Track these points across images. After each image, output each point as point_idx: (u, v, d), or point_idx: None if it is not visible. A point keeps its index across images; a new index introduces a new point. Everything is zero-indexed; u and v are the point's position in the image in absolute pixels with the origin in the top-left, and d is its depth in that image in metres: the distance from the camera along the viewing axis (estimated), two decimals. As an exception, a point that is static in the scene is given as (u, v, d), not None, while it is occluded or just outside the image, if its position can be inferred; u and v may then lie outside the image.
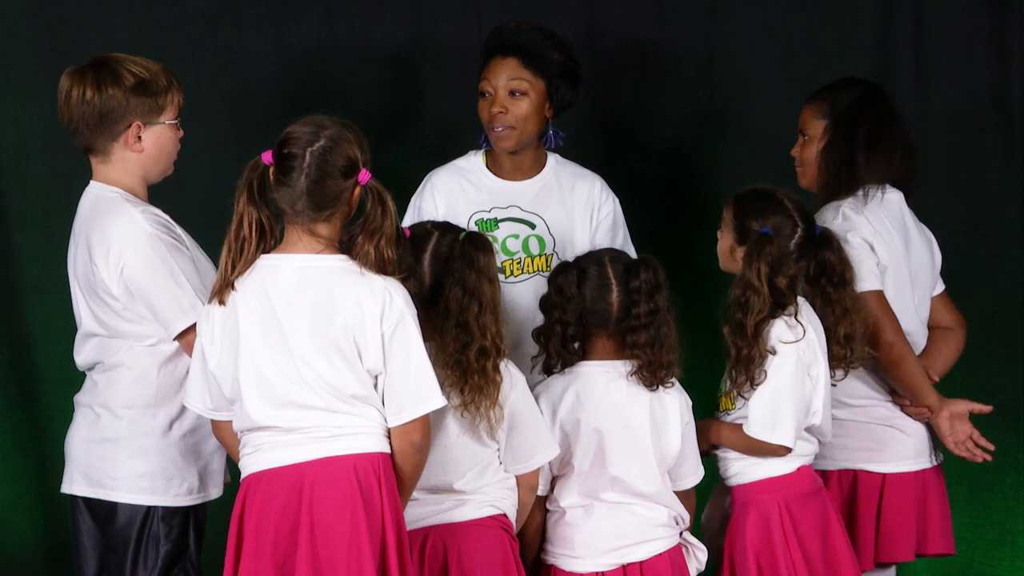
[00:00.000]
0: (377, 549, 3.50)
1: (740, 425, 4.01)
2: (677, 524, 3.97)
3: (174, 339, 3.84)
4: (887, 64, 5.29)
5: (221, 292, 3.56)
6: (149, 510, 3.89)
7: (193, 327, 3.75)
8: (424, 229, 3.81)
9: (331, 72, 5.15)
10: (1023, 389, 5.35)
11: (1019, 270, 5.33)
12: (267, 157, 3.53)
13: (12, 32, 4.99)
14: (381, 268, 3.52)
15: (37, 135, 4.94)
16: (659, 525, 3.93)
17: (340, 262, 3.54)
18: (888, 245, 4.25)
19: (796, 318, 3.97)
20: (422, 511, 3.75)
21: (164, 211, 3.97)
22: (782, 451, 3.98)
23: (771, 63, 5.26)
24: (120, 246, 3.82)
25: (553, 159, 4.43)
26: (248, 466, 3.59)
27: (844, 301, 4.03)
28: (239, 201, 3.54)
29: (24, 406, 5.00)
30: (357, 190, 3.54)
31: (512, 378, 3.77)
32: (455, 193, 4.35)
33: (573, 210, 4.39)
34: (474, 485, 3.78)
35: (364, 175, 3.54)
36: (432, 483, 3.74)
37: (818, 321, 4.03)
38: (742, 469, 4.03)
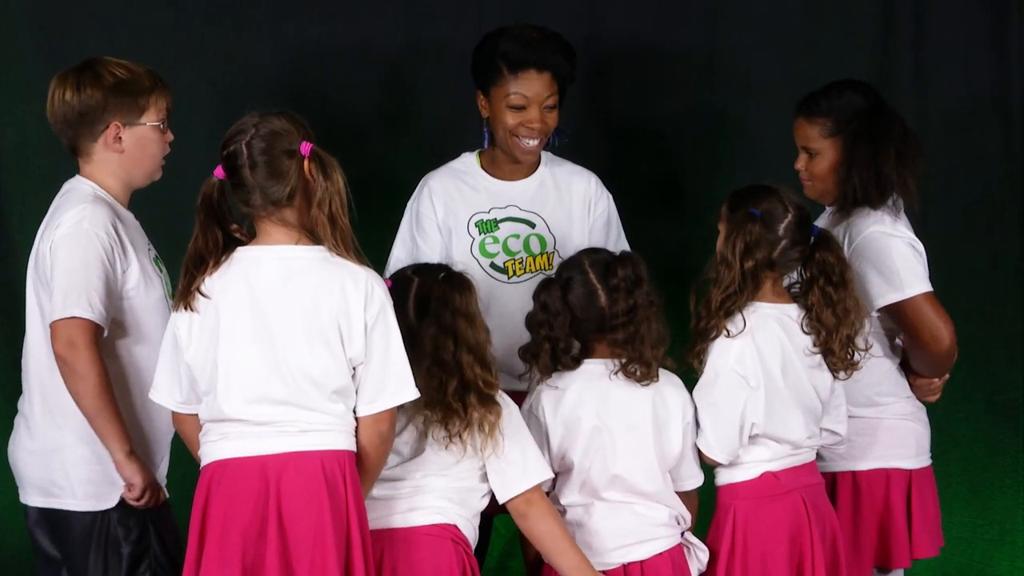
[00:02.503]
0: (342, 545, 3.52)
1: None
2: (678, 524, 3.96)
3: (49, 323, 3.83)
4: (887, 64, 5.30)
5: (187, 299, 3.57)
6: (104, 515, 3.90)
7: (67, 323, 3.78)
8: (405, 276, 3.81)
9: (331, 72, 5.16)
10: (1023, 389, 5.35)
11: (1019, 270, 5.33)
12: (219, 172, 3.57)
13: (12, 32, 4.99)
14: (336, 239, 3.53)
15: (37, 135, 4.94)
16: (660, 524, 3.92)
17: (320, 252, 3.56)
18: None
19: (739, 320, 3.95)
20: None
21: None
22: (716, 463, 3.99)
23: (771, 63, 5.26)
24: (59, 231, 3.87)
25: (545, 157, 4.44)
26: (211, 453, 3.59)
27: (845, 302, 4.02)
28: (198, 219, 3.57)
29: (24, 406, 4.99)
30: (305, 163, 3.55)
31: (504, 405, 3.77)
32: (453, 195, 4.36)
33: (571, 207, 4.41)
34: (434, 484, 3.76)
35: (305, 146, 3.55)
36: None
37: (772, 332, 3.99)
38: (718, 472, 4.04)
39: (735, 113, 5.25)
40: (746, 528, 3.97)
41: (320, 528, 3.51)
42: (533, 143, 4.31)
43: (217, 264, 3.57)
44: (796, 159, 4.33)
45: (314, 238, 3.57)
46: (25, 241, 4.96)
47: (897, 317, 4.20)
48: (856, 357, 4.04)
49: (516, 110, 4.29)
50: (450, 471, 3.75)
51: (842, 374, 4.07)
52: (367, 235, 3.65)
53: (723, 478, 4.03)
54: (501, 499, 3.79)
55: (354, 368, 3.58)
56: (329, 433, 3.56)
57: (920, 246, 4.22)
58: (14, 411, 5.00)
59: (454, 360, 3.69)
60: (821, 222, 4.27)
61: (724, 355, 3.96)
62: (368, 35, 5.17)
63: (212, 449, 3.59)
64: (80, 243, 3.85)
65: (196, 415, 3.65)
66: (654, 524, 3.92)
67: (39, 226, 4.70)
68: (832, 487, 4.23)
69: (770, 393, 3.96)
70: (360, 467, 3.61)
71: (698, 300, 3.97)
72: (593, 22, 5.25)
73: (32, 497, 3.97)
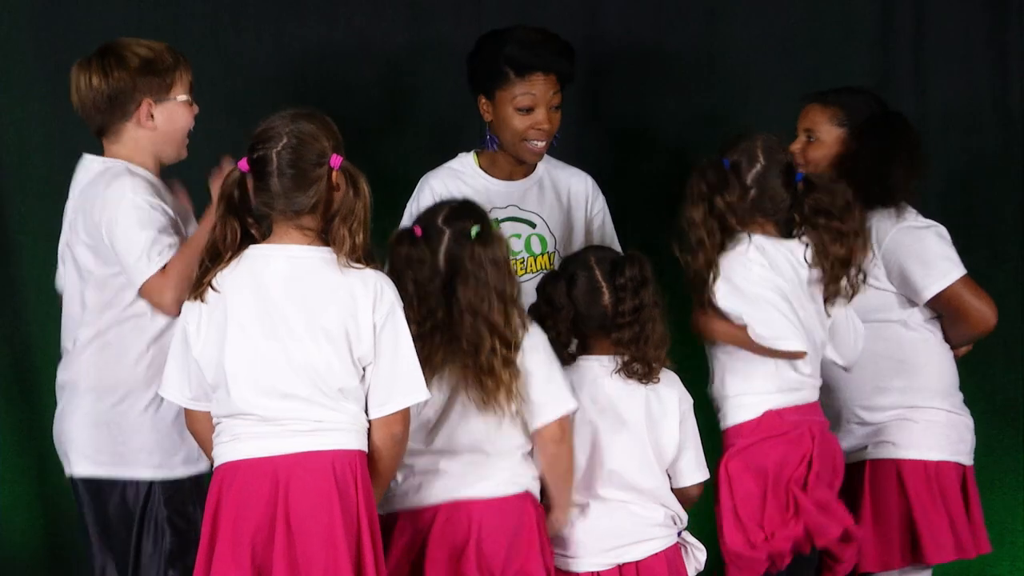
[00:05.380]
0: (353, 546, 3.52)
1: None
2: (675, 524, 3.96)
3: (140, 290, 3.84)
4: (887, 64, 5.30)
5: (199, 290, 3.57)
6: (151, 486, 3.92)
7: (150, 283, 3.79)
8: (435, 226, 3.77)
9: (331, 72, 5.15)
10: (1023, 389, 5.35)
11: (1019, 270, 5.33)
12: (243, 165, 3.58)
13: (12, 32, 4.99)
14: (352, 252, 3.54)
15: (37, 135, 4.94)
16: (656, 524, 3.93)
17: (328, 253, 3.57)
18: None
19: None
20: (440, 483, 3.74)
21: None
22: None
23: (771, 63, 5.26)
24: (106, 212, 3.87)
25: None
26: (224, 454, 3.59)
27: (855, 225, 4.02)
28: (218, 210, 3.58)
29: (24, 406, 5.00)
30: (333, 175, 3.56)
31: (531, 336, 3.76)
32: (453, 195, 4.36)
33: (570, 207, 4.45)
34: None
35: (336, 160, 3.57)
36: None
37: (780, 254, 4.02)
38: (722, 416, 4.09)
39: (735, 113, 5.25)
40: (746, 467, 3.99)
41: (331, 529, 3.50)
42: (542, 144, 4.35)
43: (231, 258, 3.57)
44: (793, 143, 4.38)
45: (327, 241, 3.58)
46: (25, 241, 4.98)
47: (942, 304, 4.27)
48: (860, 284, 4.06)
49: (525, 113, 4.32)
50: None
51: (840, 301, 4.06)
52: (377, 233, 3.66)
53: (727, 420, 4.05)
54: (544, 420, 3.76)
55: (363, 369, 3.57)
56: (339, 432, 3.55)
57: (943, 229, 4.31)
58: (14, 411, 5.03)
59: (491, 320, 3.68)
60: None
61: (739, 256, 3.99)
62: (368, 35, 5.17)
63: (224, 450, 3.59)
64: (134, 210, 3.86)
65: (207, 412, 3.65)
66: (650, 524, 3.92)
67: (39, 226, 4.72)
68: (871, 474, 4.28)
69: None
70: (373, 469, 3.60)
71: (681, 248, 4.03)
72: (593, 22, 5.24)
73: (82, 467, 3.97)
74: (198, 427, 3.71)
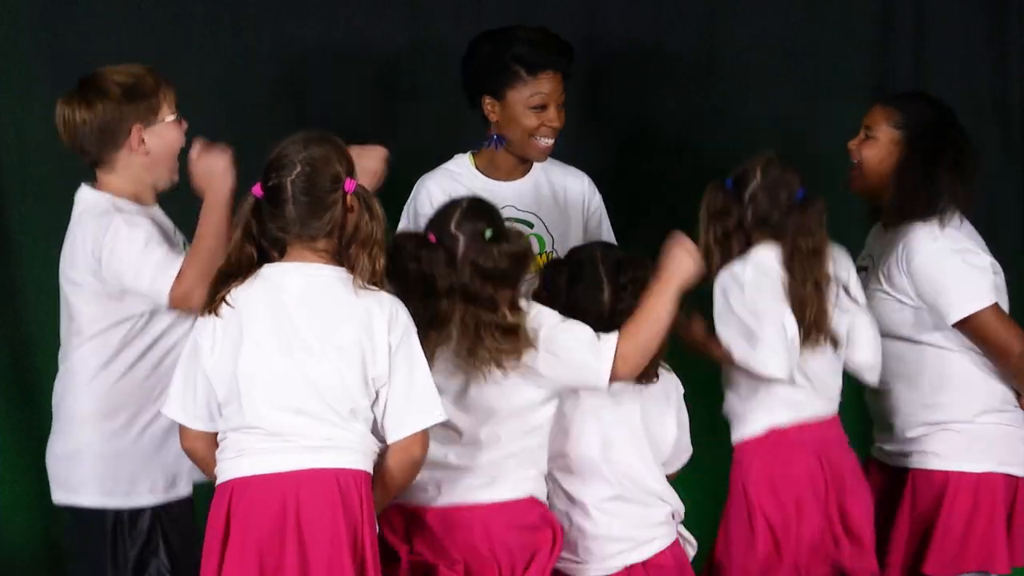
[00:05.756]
0: (358, 564, 3.52)
1: None
2: (674, 519, 3.97)
3: (169, 303, 3.84)
4: (887, 64, 5.30)
5: (212, 306, 3.58)
6: (116, 514, 3.93)
7: (173, 289, 3.79)
8: (450, 233, 3.74)
9: (331, 72, 5.15)
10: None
11: (1019, 270, 5.32)
12: (257, 191, 3.59)
13: (12, 33, 4.99)
14: (373, 277, 3.55)
15: (37, 135, 4.93)
16: (658, 524, 3.93)
17: (344, 273, 3.57)
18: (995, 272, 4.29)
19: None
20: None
21: (167, 213, 4.03)
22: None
23: (771, 63, 5.26)
24: (93, 246, 3.88)
25: None
26: (229, 470, 3.58)
27: (814, 272, 4.01)
28: (235, 235, 3.59)
29: (24, 406, 5.00)
30: (347, 199, 3.57)
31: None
32: (450, 196, 4.36)
33: (567, 207, 4.46)
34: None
35: (349, 184, 3.58)
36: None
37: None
38: (732, 429, 4.10)
39: (735, 113, 5.25)
40: (747, 486, 4.01)
41: (337, 546, 3.50)
42: (550, 142, 4.40)
43: (245, 278, 3.58)
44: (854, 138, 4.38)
45: (341, 262, 3.59)
46: (25, 241, 4.98)
47: (966, 331, 4.22)
48: (822, 340, 4.03)
49: (538, 111, 4.35)
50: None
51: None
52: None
53: (734, 434, 4.07)
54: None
55: (376, 393, 3.57)
56: (347, 451, 3.55)
57: (978, 257, 4.24)
58: (14, 411, 5.03)
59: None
60: (870, 237, 4.35)
61: (745, 263, 3.99)
62: (368, 35, 5.17)
63: (229, 467, 3.58)
64: (129, 230, 3.87)
65: (205, 433, 3.65)
66: (654, 524, 3.92)
67: (39, 226, 4.72)
68: (912, 486, 4.25)
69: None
70: (382, 488, 3.60)
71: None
72: (593, 22, 5.25)
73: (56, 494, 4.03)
74: (196, 445, 3.70)
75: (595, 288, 3.89)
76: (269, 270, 3.60)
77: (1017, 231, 5.34)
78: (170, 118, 3.99)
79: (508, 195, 4.40)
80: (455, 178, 4.43)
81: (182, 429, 3.69)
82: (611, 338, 3.74)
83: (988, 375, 4.26)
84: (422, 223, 4.32)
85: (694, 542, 4.01)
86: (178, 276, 3.80)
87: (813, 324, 4.01)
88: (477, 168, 4.46)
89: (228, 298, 3.57)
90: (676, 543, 3.95)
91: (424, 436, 3.59)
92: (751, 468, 4.04)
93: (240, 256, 3.58)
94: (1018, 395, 4.29)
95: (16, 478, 5.01)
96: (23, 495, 5.01)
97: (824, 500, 4.02)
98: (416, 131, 5.18)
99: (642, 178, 5.22)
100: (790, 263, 4.01)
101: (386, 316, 3.55)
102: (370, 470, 3.58)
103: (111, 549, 3.93)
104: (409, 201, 4.44)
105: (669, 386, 3.96)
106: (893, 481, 4.29)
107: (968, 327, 4.21)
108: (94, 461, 3.94)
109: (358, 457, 3.56)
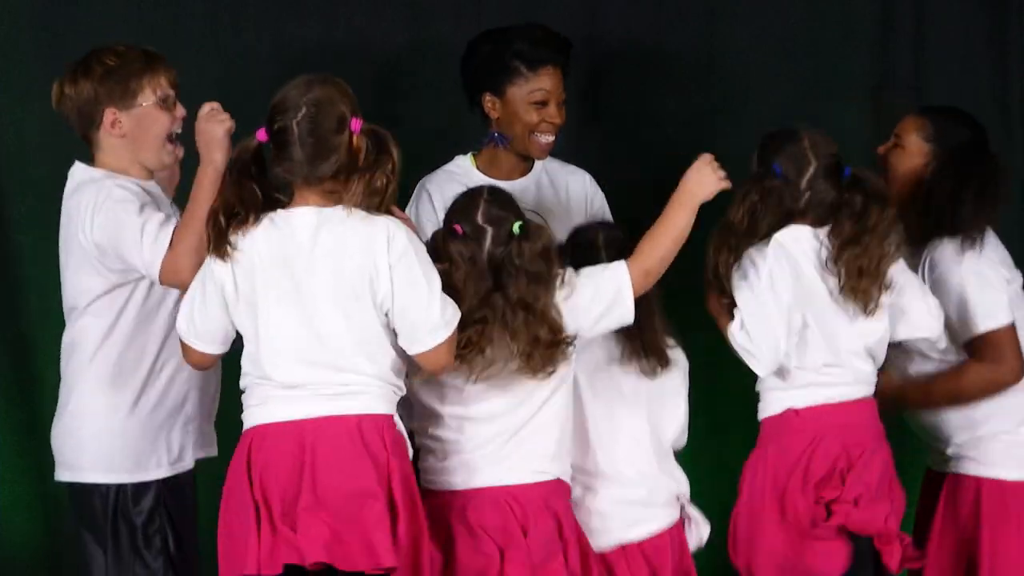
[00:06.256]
0: (389, 510, 3.53)
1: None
2: (678, 500, 3.98)
3: (159, 279, 3.83)
4: (887, 64, 5.29)
5: (221, 250, 3.59)
6: (119, 488, 3.95)
7: (164, 263, 3.78)
8: (477, 225, 3.77)
9: (330, 72, 5.14)
10: (1023, 389, 5.34)
11: (1020, 269, 5.31)
12: (261, 135, 3.61)
13: (12, 32, 4.99)
14: (370, 199, 3.56)
15: (37, 135, 4.94)
16: (660, 505, 3.95)
17: (347, 210, 3.60)
18: (1012, 283, 4.29)
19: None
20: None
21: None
22: None
23: (771, 63, 5.26)
24: (86, 217, 3.88)
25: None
26: (251, 417, 3.65)
27: (868, 245, 3.96)
28: (231, 176, 3.61)
29: (24, 406, 5.00)
30: (355, 139, 3.58)
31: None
32: (450, 198, 4.35)
33: (568, 205, 4.48)
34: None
35: (356, 123, 3.60)
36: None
37: (807, 245, 3.98)
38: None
39: (735, 113, 5.25)
40: (758, 467, 4.00)
41: (359, 489, 3.52)
42: (551, 138, 4.41)
43: (255, 220, 3.59)
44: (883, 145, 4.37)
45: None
46: (25, 241, 4.98)
47: (976, 347, 4.21)
48: (872, 305, 3.98)
49: (539, 107, 4.37)
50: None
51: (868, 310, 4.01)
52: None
53: (759, 412, 4.05)
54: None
55: (385, 315, 3.60)
56: (366, 396, 3.59)
57: (992, 272, 4.23)
58: (14, 411, 5.04)
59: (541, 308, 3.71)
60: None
61: (759, 257, 3.95)
62: (368, 35, 5.17)
63: (252, 413, 3.64)
64: (123, 194, 3.88)
65: (205, 353, 3.70)
66: (655, 505, 3.94)
67: (39, 226, 4.72)
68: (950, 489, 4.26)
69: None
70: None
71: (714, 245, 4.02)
72: (593, 22, 5.25)
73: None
74: (204, 361, 3.75)
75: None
76: (278, 216, 3.61)
77: (1017, 231, 5.33)
78: (149, 103, 3.97)
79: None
80: (455, 179, 4.43)
81: (183, 344, 3.74)
82: (620, 269, 3.77)
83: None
84: (424, 225, 4.35)
85: (706, 523, 4.01)
86: (170, 248, 3.79)
87: (861, 294, 3.97)
88: (478, 168, 4.47)
89: (236, 243, 3.58)
90: (678, 525, 3.96)
91: (442, 348, 3.61)
92: (766, 447, 4.02)
93: (240, 192, 3.59)
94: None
95: (16, 478, 5.01)
96: (23, 495, 5.01)
97: (819, 484, 3.98)
98: (416, 131, 5.18)
99: (642, 178, 5.21)
100: (844, 244, 3.96)
101: (384, 237, 3.57)
102: (392, 411, 3.62)
103: (111, 525, 3.95)
104: (411, 203, 4.45)
105: (678, 363, 3.97)
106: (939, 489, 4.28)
107: (975, 345, 4.20)
108: (99, 437, 3.95)
109: (378, 402, 3.60)
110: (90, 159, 4.02)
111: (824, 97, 5.24)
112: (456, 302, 3.66)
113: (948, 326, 4.19)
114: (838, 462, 3.97)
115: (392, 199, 3.64)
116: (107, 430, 3.95)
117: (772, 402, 4.03)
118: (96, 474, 3.96)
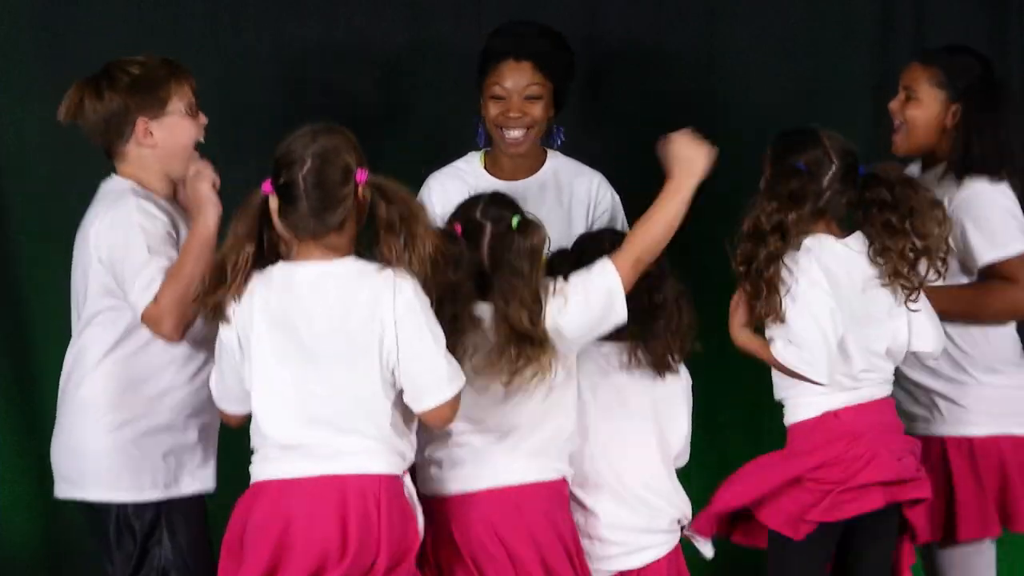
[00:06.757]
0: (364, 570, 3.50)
1: None
2: (679, 524, 3.96)
3: (141, 320, 3.84)
4: (887, 64, 5.29)
5: (214, 315, 3.58)
6: (120, 507, 3.92)
7: (148, 311, 3.78)
8: (474, 220, 3.76)
9: (331, 72, 5.16)
10: (1023, 389, 5.34)
11: (1019, 269, 5.33)
12: (266, 187, 3.56)
13: (12, 33, 5.00)
14: (411, 259, 3.52)
15: (37, 135, 4.94)
16: (660, 531, 3.93)
17: (352, 264, 3.56)
18: None
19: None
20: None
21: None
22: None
23: (771, 63, 5.26)
24: (100, 231, 3.88)
25: (552, 157, 4.46)
26: (254, 473, 3.62)
27: (916, 225, 3.93)
28: (237, 233, 3.56)
29: (24, 406, 5.01)
30: (360, 190, 3.55)
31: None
32: (452, 195, 4.35)
33: (571, 207, 4.45)
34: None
35: (361, 175, 3.55)
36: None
37: (836, 252, 3.94)
38: (785, 412, 4.03)
39: (735, 113, 5.25)
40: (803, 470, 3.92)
41: (327, 553, 3.48)
42: (516, 134, 4.34)
43: (244, 282, 3.55)
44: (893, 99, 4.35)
45: (356, 253, 3.58)
46: (25, 241, 4.98)
47: (995, 273, 4.19)
48: (932, 276, 3.95)
49: (497, 100, 4.33)
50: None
51: (912, 296, 3.98)
52: (368, 235, 3.64)
53: (787, 417, 3.99)
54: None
55: (392, 373, 3.54)
56: (361, 456, 3.53)
57: (1017, 206, 4.22)
58: (14, 411, 5.04)
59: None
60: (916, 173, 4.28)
61: (794, 266, 3.89)
62: (368, 35, 5.17)
63: (254, 470, 3.62)
64: (135, 231, 3.86)
65: (237, 413, 3.71)
66: (655, 531, 3.92)
67: (39, 226, 4.72)
68: (940, 452, 4.24)
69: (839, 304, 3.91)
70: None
71: (735, 250, 3.97)
72: (593, 22, 5.25)
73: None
74: (231, 421, 3.75)
75: None
76: (278, 273, 3.57)
77: (1017, 231, 5.33)
78: (180, 111, 3.97)
79: (513, 195, 4.38)
80: (461, 176, 4.43)
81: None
82: (607, 270, 3.72)
83: (1011, 330, 4.26)
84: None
85: (710, 547, 3.99)
86: (155, 298, 3.80)
87: (906, 282, 3.95)
88: (484, 167, 4.46)
89: (228, 307, 3.56)
90: (676, 550, 3.94)
91: (446, 407, 3.56)
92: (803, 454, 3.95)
93: (239, 255, 3.55)
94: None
95: (16, 478, 5.02)
96: (23, 495, 5.02)
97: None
98: (416, 131, 5.18)
99: (642, 178, 5.20)
100: (889, 235, 3.93)
101: (390, 291, 3.51)
102: (393, 471, 3.56)
103: (115, 542, 3.92)
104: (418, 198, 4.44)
105: (680, 381, 3.96)
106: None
107: (1001, 269, 4.18)
108: (100, 455, 3.92)
109: (375, 462, 3.54)
110: (111, 171, 4.00)
111: (824, 97, 5.24)
112: (455, 302, 3.64)
113: (973, 252, 4.17)
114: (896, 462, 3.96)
115: (424, 255, 3.56)
116: (109, 448, 3.92)
117: (804, 407, 3.95)
118: (99, 492, 3.94)
